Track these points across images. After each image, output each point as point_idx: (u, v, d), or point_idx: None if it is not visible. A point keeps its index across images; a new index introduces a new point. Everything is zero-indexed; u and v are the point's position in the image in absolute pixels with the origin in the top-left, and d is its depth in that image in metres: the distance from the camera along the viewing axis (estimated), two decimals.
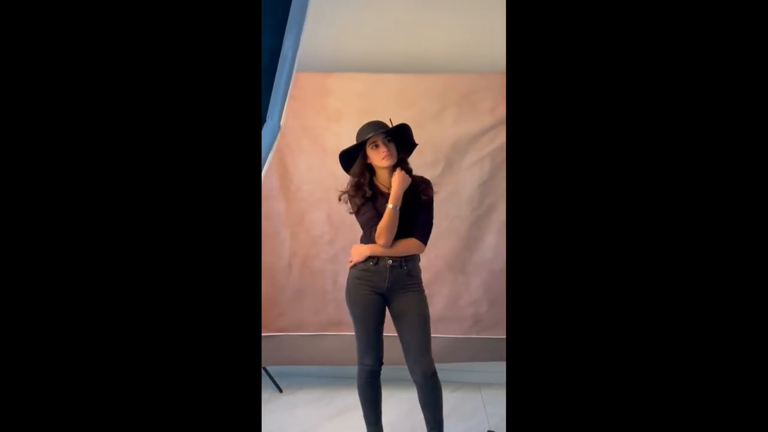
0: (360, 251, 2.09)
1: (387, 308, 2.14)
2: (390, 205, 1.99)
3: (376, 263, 2.07)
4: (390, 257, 2.06)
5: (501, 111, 2.61)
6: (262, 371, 2.86)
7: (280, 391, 2.86)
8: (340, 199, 2.14)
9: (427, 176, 2.16)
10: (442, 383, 2.12)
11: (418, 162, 2.32)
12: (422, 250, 2.10)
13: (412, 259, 2.11)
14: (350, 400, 2.39)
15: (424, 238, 2.09)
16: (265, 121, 1.35)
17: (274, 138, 1.37)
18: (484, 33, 2.61)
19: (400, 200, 2.01)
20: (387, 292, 2.09)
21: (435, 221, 2.13)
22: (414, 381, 2.12)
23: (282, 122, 1.40)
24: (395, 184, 2.01)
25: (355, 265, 2.11)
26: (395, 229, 2.01)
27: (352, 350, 2.18)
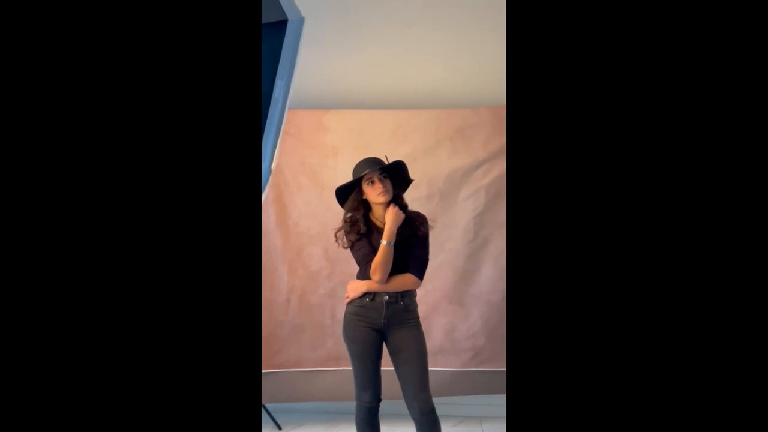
0: (356, 287, 2.10)
1: (384, 344, 2.14)
2: (384, 241, 2.01)
3: (373, 299, 2.07)
4: (386, 293, 2.07)
5: (493, 145, 2.66)
6: (261, 408, 2.85)
7: (279, 428, 2.84)
8: (335, 237, 2.16)
9: (422, 210, 2.19)
10: (442, 417, 2.11)
11: (413, 196, 2.36)
12: (418, 286, 2.11)
13: (409, 295, 2.11)
14: None
15: (420, 273, 2.10)
16: None
17: (266, 180, 1.40)
18: (475, 70, 2.69)
19: (395, 236, 2.03)
20: (384, 328, 2.09)
21: (431, 254, 2.14)
22: (412, 418, 2.10)
23: (273, 165, 1.44)
24: (389, 220, 2.03)
25: (351, 301, 2.12)
26: (390, 265, 2.03)
27: (351, 385, 2.17)
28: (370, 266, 2.04)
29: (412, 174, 2.16)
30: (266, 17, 1.34)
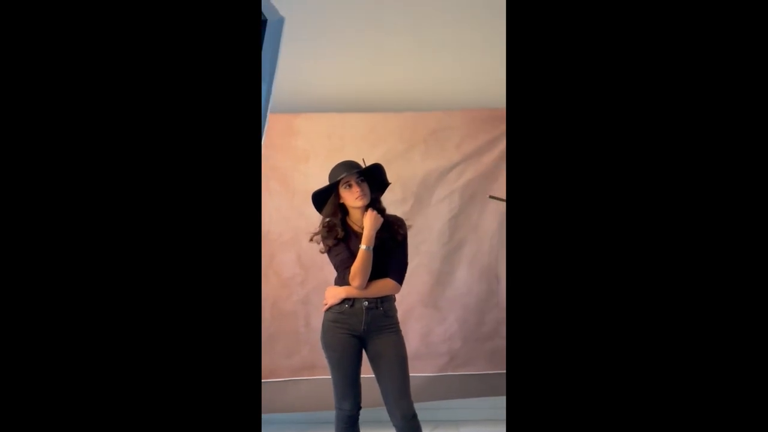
0: (335, 293, 2.06)
1: (364, 350, 2.11)
2: (363, 246, 1.98)
3: (352, 305, 2.04)
4: (366, 299, 2.03)
5: (467, 147, 2.67)
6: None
7: None
8: (311, 240, 2.11)
9: (397, 213, 2.17)
10: (420, 422, 2.09)
11: (388, 199, 2.33)
12: (398, 290, 2.09)
13: (388, 300, 2.09)
14: None
15: (400, 277, 2.08)
16: None
17: None
18: (448, 72, 2.68)
19: (373, 240, 2.00)
20: (364, 335, 2.06)
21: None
22: (394, 425, 2.07)
23: None
24: (367, 225, 2.00)
25: (330, 308, 2.08)
26: (369, 270, 2.00)
27: (328, 394, 2.13)
28: (349, 272, 2.00)
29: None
30: None
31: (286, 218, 2.66)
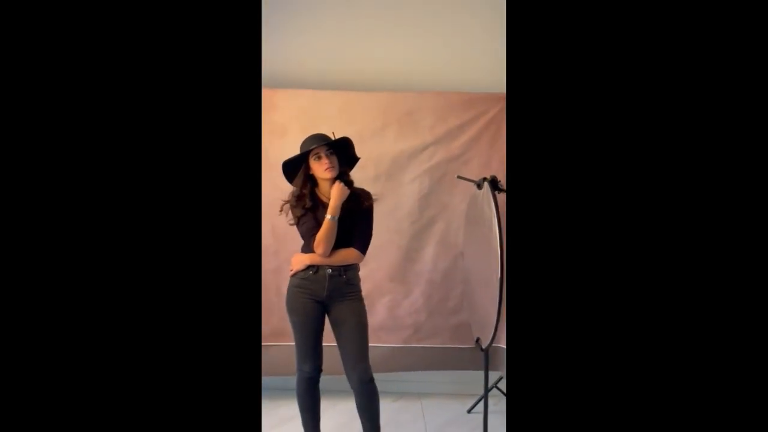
0: (300, 260, 2.16)
1: (326, 316, 2.20)
2: (328, 216, 2.07)
3: (316, 272, 2.13)
4: (329, 266, 2.12)
5: (440, 129, 2.75)
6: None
7: None
8: (281, 210, 2.20)
9: (370, 190, 2.25)
10: (382, 393, 2.19)
11: (360, 176, 2.41)
12: (361, 260, 2.18)
13: (352, 268, 2.18)
14: (292, 411, 2.42)
15: (363, 247, 2.17)
16: None
17: None
18: (425, 54, 2.76)
19: (339, 211, 2.09)
20: (326, 300, 2.15)
21: (376, 233, 2.21)
22: (351, 387, 2.17)
23: None
24: (334, 196, 2.09)
25: (295, 274, 2.17)
26: (333, 238, 2.09)
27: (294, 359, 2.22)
28: (314, 240, 2.10)
29: (359, 154, 2.22)
30: None
31: (262, 190, 2.73)
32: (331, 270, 2.13)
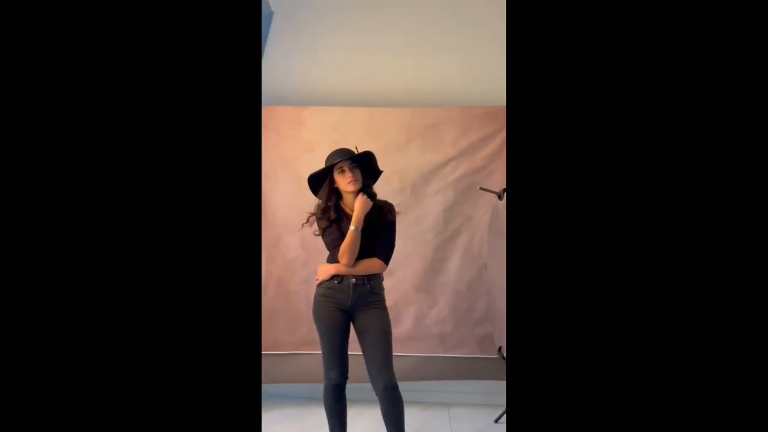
0: (325, 270, 2.24)
1: (352, 325, 2.27)
2: (352, 227, 2.15)
3: (341, 281, 2.21)
4: (353, 276, 2.20)
5: (462, 142, 2.81)
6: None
7: None
8: (307, 221, 2.29)
9: (395, 203, 2.33)
10: (411, 403, 2.23)
11: (385, 189, 2.50)
12: (384, 269, 2.25)
13: (375, 278, 2.25)
14: (320, 419, 2.50)
15: (386, 258, 2.24)
16: None
17: None
18: (446, 71, 2.84)
19: (362, 222, 2.16)
20: (351, 309, 2.22)
21: (402, 244, 2.27)
22: (376, 394, 2.23)
23: None
24: (357, 208, 2.16)
25: (321, 283, 2.25)
26: (357, 249, 2.16)
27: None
28: (339, 250, 2.18)
29: (385, 168, 2.30)
30: None
31: (291, 204, 2.84)
32: (355, 279, 2.20)
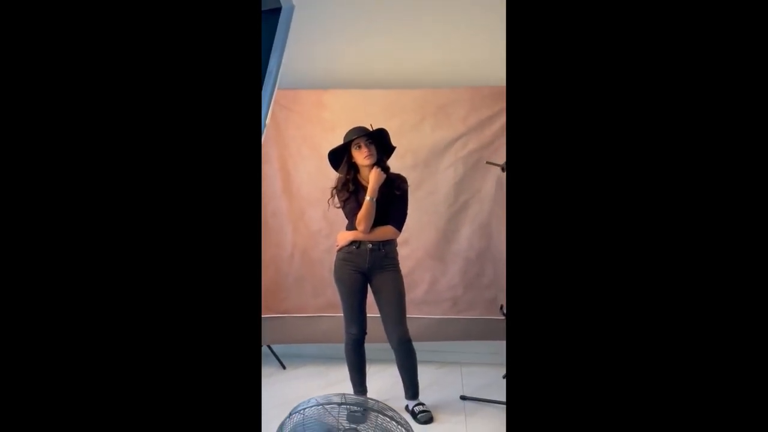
0: (344, 236, 2.51)
1: (369, 285, 2.54)
2: (367, 197, 2.40)
3: (358, 247, 2.48)
4: (370, 242, 2.46)
5: (471, 120, 3.02)
6: (269, 349, 3.28)
7: (284, 367, 3.27)
8: (332, 195, 2.54)
9: (409, 178, 2.57)
10: (427, 362, 2.48)
11: (400, 165, 2.74)
12: (397, 236, 2.51)
13: (389, 243, 2.51)
14: (342, 374, 2.77)
15: (399, 225, 2.49)
16: None
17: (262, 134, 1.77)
18: (456, 54, 3.06)
19: (376, 193, 2.42)
20: (368, 272, 2.49)
21: (417, 216, 2.50)
22: (392, 347, 2.50)
23: (267, 121, 1.81)
24: (371, 180, 2.42)
25: (340, 249, 2.52)
26: (372, 217, 2.42)
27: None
28: (356, 219, 2.44)
29: (399, 146, 2.54)
30: (265, 5, 1.70)
31: (315, 180, 3.09)
32: (371, 245, 2.46)
